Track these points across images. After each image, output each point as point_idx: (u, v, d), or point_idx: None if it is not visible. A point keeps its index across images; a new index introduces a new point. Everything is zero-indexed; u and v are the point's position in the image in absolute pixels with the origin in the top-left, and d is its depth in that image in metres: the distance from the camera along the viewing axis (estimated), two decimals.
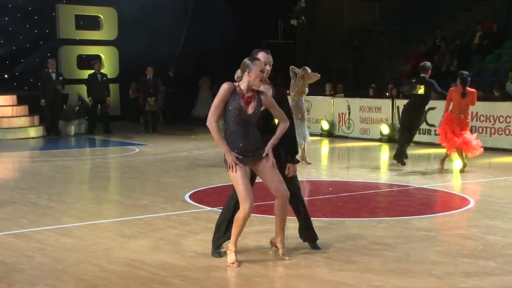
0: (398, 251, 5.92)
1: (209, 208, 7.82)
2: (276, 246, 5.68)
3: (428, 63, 11.75)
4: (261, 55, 5.59)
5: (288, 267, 5.40)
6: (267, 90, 5.69)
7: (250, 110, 5.34)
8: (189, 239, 6.37)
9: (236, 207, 5.53)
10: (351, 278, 5.13)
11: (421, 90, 11.30)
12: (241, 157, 5.34)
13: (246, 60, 5.38)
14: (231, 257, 5.43)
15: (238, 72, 5.41)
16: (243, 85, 5.37)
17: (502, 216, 7.48)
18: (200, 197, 8.57)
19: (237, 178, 5.33)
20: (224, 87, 5.34)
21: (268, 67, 5.59)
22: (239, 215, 5.38)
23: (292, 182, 5.76)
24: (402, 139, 11.73)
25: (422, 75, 11.42)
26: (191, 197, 8.57)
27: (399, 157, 11.56)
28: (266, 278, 5.26)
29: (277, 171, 5.47)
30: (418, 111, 11.61)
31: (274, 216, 5.60)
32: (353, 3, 23.65)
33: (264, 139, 5.55)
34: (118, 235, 6.57)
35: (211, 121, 5.33)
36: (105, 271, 5.32)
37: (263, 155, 5.42)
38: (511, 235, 6.57)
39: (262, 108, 5.42)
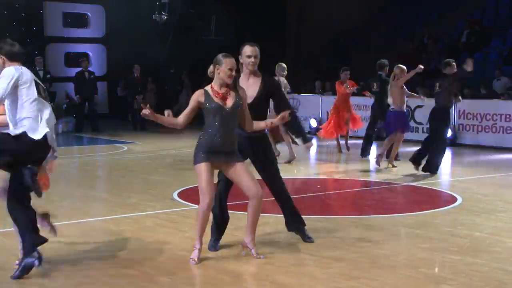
0: (386, 249, 5.94)
1: (198, 206, 7.78)
2: (247, 247, 5.64)
3: (384, 61, 12.29)
4: (246, 48, 5.72)
5: (277, 265, 5.41)
6: (255, 82, 5.74)
7: (228, 105, 5.37)
8: (177, 237, 6.37)
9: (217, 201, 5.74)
10: (340, 276, 5.15)
11: (376, 88, 12.03)
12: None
13: (218, 56, 5.42)
14: (194, 253, 5.44)
15: (211, 68, 5.46)
16: (215, 84, 5.42)
17: (489, 213, 7.54)
18: (188, 195, 8.56)
19: (201, 172, 5.36)
20: (193, 96, 5.46)
21: (253, 59, 5.70)
22: (199, 210, 5.43)
23: (275, 182, 5.93)
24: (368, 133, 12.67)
25: (379, 72, 12.10)
26: (179, 195, 8.56)
27: (365, 152, 12.41)
28: (254, 276, 5.26)
29: (249, 172, 5.48)
30: (377, 108, 12.16)
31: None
32: (341, 2, 23.69)
33: (251, 135, 5.64)
34: (106, 233, 6.55)
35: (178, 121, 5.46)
36: (93, 270, 5.30)
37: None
38: (498, 232, 6.62)
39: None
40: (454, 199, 8.40)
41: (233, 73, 5.38)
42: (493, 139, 14.12)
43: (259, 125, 5.66)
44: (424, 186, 9.55)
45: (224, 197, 5.91)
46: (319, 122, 17.44)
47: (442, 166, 11.34)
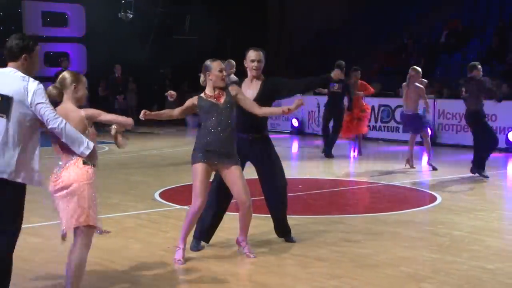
0: (367, 248, 5.98)
1: (179, 206, 7.79)
2: (240, 245, 5.70)
3: (342, 62, 12.54)
4: (251, 52, 5.82)
5: (259, 265, 5.42)
6: (256, 85, 5.78)
7: (221, 101, 5.40)
8: (159, 237, 6.35)
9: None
10: (322, 275, 5.17)
11: (336, 88, 12.39)
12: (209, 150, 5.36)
13: (206, 63, 5.46)
14: (178, 253, 5.44)
15: (202, 77, 5.50)
16: (208, 89, 5.46)
17: (468, 212, 7.62)
18: (170, 195, 8.54)
19: (197, 173, 5.38)
20: (188, 100, 5.54)
21: (256, 64, 5.79)
22: (189, 211, 5.44)
23: (275, 188, 5.92)
24: (324, 133, 13.05)
25: None
26: (161, 195, 8.53)
27: (329, 152, 12.67)
28: (236, 276, 5.27)
29: (243, 178, 5.46)
30: (336, 108, 12.52)
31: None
32: (322, 3, 23.78)
33: (250, 137, 5.65)
34: None
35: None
36: None
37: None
38: (477, 231, 6.70)
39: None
40: (434, 198, 8.48)
41: (224, 73, 5.41)
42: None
43: (273, 110, 5.75)
44: (404, 185, 9.62)
45: (214, 199, 5.78)
46: (301, 122, 17.50)
47: (422, 165, 11.46)
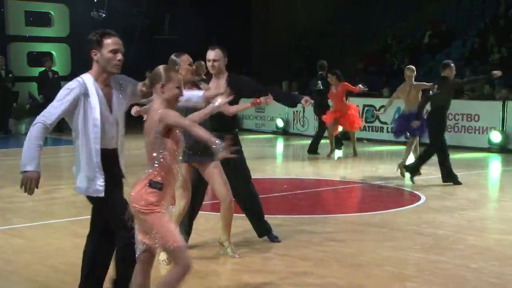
0: (352, 247, 6.00)
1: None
2: (223, 245, 5.69)
3: (325, 62, 12.94)
4: (208, 52, 5.82)
5: (244, 265, 5.42)
6: (221, 84, 5.77)
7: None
8: None
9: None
10: (306, 274, 5.18)
11: (319, 86, 12.63)
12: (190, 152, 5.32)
13: (171, 58, 5.38)
14: (162, 254, 5.40)
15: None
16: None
17: (452, 212, 7.67)
18: None
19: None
20: None
21: (211, 63, 5.76)
22: (174, 212, 5.42)
23: (243, 185, 5.94)
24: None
25: (320, 72, 12.74)
26: None
27: (313, 149, 13.02)
28: (221, 276, 5.26)
29: (222, 174, 5.46)
30: (319, 107, 12.67)
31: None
32: (306, 3, 23.83)
33: (220, 135, 5.61)
34: (70, 235, 6.46)
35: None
36: (58, 272, 5.23)
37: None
38: (461, 230, 6.75)
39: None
40: (418, 198, 8.53)
41: (193, 67, 5.37)
42: (455, 138, 14.36)
43: (240, 107, 5.66)
44: (388, 185, 9.67)
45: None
46: (286, 122, 17.53)
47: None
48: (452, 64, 9.64)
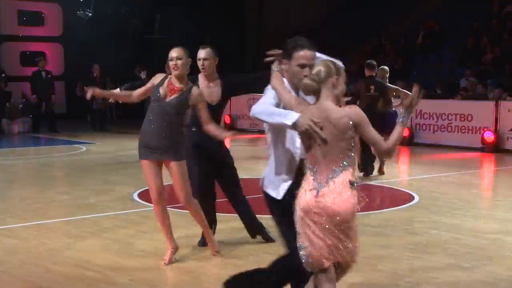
0: None
1: None
2: (206, 244, 5.74)
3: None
4: (198, 51, 5.74)
5: (237, 264, 5.42)
6: (215, 85, 5.77)
7: (169, 99, 5.24)
8: (137, 239, 6.32)
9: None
10: None
11: None
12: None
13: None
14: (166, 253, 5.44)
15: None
16: (173, 78, 5.33)
17: (445, 211, 7.70)
18: (149, 196, 8.45)
19: (144, 169, 5.49)
20: (149, 82, 5.42)
21: (201, 62, 5.71)
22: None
23: (231, 185, 5.98)
24: None
25: None
26: (140, 195, 8.48)
27: None
28: (215, 276, 5.26)
29: (182, 175, 5.37)
30: None
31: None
32: (300, 3, 23.86)
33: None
34: (64, 235, 6.46)
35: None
36: (51, 272, 5.22)
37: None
38: (454, 230, 6.77)
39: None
40: (411, 198, 8.55)
41: (175, 62, 5.24)
42: (449, 138, 14.42)
43: (218, 133, 5.27)
44: (381, 185, 9.69)
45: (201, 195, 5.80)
46: None
47: (400, 165, 11.52)
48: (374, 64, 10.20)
